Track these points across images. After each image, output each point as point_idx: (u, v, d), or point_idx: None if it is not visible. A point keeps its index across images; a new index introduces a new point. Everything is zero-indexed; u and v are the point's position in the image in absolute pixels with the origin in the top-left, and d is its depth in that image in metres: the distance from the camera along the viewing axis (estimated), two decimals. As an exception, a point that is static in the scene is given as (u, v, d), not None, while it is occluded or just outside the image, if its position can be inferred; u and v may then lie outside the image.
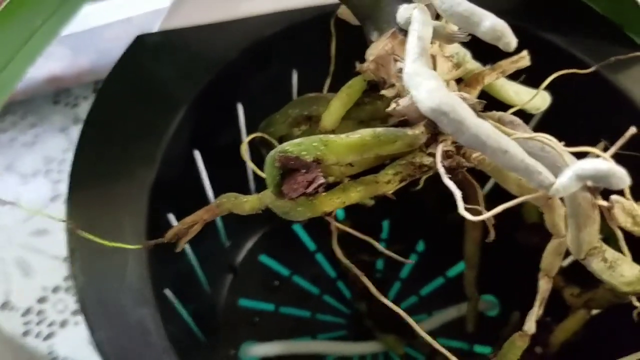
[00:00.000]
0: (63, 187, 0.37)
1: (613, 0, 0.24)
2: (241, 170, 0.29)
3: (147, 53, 0.23)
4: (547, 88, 0.18)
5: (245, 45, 0.24)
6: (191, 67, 0.23)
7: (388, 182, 0.16)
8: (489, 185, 0.30)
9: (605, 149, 0.13)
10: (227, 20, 0.24)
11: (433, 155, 0.16)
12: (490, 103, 0.18)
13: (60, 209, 0.32)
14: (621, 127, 0.14)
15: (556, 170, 0.13)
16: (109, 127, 0.22)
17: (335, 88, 0.19)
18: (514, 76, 0.19)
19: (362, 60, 0.18)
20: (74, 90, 0.41)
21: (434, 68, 0.16)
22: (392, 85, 0.17)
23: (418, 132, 0.16)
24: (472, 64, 0.18)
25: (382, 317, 0.31)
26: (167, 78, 0.23)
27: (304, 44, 0.25)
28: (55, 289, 0.34)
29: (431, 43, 0.16)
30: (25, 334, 0.33)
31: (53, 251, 0.35)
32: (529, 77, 0.20)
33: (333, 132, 0.19)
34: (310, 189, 0.15)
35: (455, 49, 0.17)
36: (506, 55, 0.16)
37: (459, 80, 0.18)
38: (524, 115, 0.19)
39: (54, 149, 0.39)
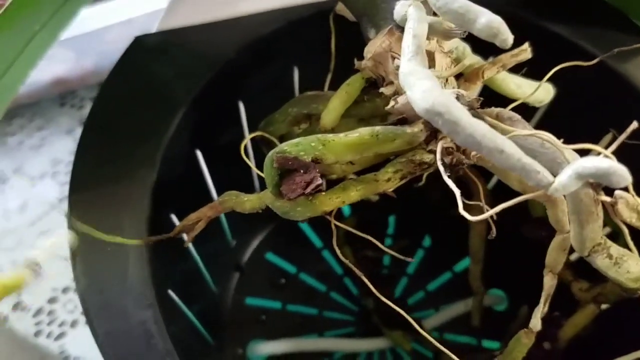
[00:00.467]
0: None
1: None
2: (245, 169, 0.28)
3: (146, 54, 0.23)
4: (551, 79, 0.18)
5: (244, 44, 0.23)
6: (191, 67, 0.23)
7: (388, 180, 0.16)
8: (495, 179, 0.29)
9: (614, 139, 0.13)
10: (226, 19, 0.24)
11: (433, 152, 0.15)
12: (492, 97, 0.18)
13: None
14: (631, 116, 0.13)
15: (557, 167, 0.13)
16: (110, 128, 0.22)
17: (337, 84, 0.19)
18: (516, 68, 0.19)
19: (362, 57, 0.18)
20: (79, 92, 0.42)
21: (433, 64, 0.16)
22: (391, 83, 0.17)
23: (417, 129, 0.15)
24: (472, 59, 0.18)
25: (389, 314, 0.31)
26: (166, 78, 0.23)
27: (303, 41, 0.24)
28: (65, 290, 0.34)
29: (429, 39, 0.15)
30: (37, 334, 0.33)
31: (62, 252, 0.36)
32: (531, 69, 0.19)
33: (333, 130, 0.19)
34: (308, 190, 0.15)
35: (454, 43, 0.17)
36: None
37: (459, 76, 0.17)
38: (527, 108, 0.19)
39: (61, 150, 0.39)
